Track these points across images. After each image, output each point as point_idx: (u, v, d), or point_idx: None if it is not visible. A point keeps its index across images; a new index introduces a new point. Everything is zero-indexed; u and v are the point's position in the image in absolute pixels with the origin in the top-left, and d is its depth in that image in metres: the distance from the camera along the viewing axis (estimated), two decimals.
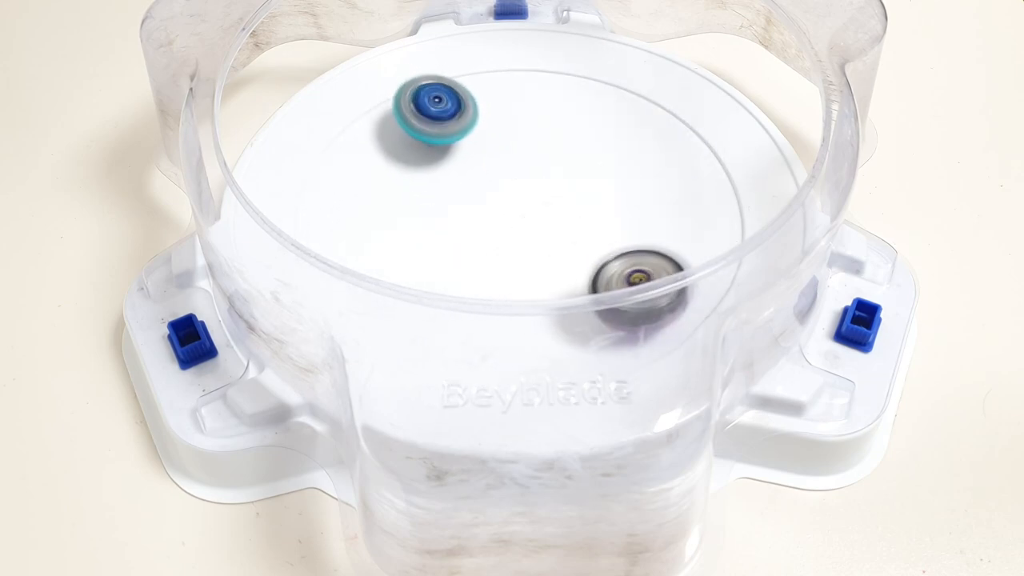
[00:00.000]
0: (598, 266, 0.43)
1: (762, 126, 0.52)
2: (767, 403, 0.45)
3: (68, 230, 0.54)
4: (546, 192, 0.50)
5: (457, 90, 0.51)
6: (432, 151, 0.52)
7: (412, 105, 0.50)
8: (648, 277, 0.42)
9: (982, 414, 0.48)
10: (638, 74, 0.55)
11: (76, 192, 0.56)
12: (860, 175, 0.46)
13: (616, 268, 0.42)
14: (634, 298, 0.39)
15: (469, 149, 0.52)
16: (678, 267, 0.42)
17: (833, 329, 0.48)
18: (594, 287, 0.42)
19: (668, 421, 0.40)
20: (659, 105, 0.54)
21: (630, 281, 0.42)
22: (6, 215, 0.55)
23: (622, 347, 0.43)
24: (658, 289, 0.40)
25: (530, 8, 0.58)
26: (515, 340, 0.43)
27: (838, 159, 0.46)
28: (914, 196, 0.56)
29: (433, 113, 0.50)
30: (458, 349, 0.42)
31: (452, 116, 0.51)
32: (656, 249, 0.43)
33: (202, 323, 0.47)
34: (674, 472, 0.40)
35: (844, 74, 0.48)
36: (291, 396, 0.45)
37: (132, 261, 0.53)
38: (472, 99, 0.52)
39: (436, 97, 0.51)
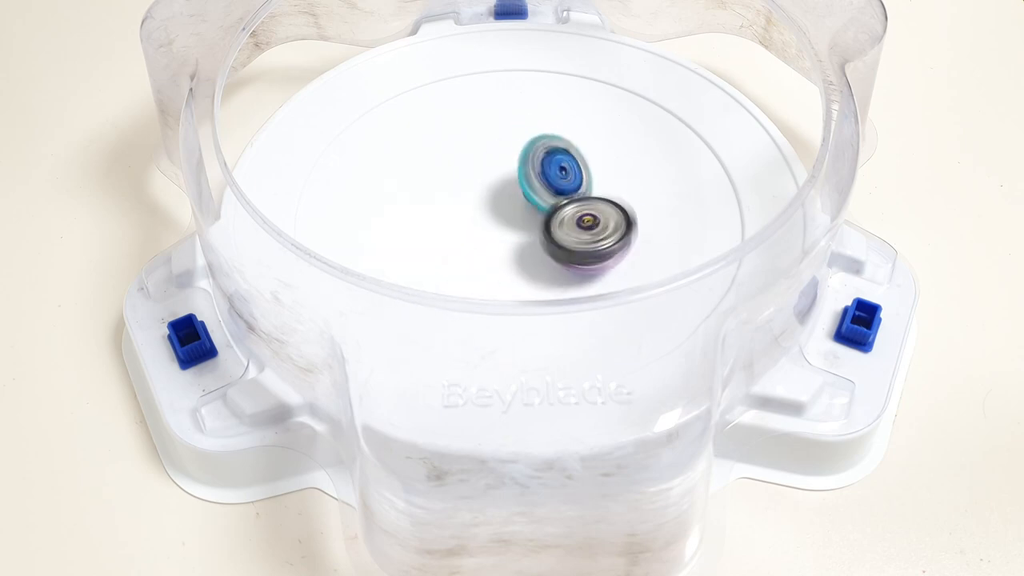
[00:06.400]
0: (551, 210, 0.47)
1: (762, 126, 0.53)
2: (767, 403, 0.45)
3: (68, 230, 0.54)
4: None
5: (576, 157, 0.50)
6: (432, 151, 0.52)
7: (541, 174, 0.49)
8: (596, 220, 0.47)
9: (982, 414, 0.48)
10: (638, 74, 0.55)
11: (76, 192, 0.56)
12: (860, 175, 0.46)
13: (569, 212, 0.47)
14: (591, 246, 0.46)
15: (469, 150, 0.52)
16: (624, 212, 0.47)
17: (833, 329, 0.48)
18: (547, 228, 0.47)
19: (668, 421, 0.40)
20: (659, 105, 0.54)
21: (580, 223, 0.47)
22: (6, 215, 0.55)
23: (621, 347, 0.43)
24: (657, 288, 0.41)
25: (530, 8, 0.58)
26: (515, 340, 0.43)
27: (838, 159, 0.46)
28: (914, 196, 0.56)
29: (561, 187, 0.49)
30: (458, 349, 0.42)
31: (575, 190, 0.49)
32: (606, 197, 0.48)
33: (202, 323, 0.47)
34: (674, 472, 0.40)
35: (844, 74, 0.48)
36: (291, 396, 0.45)
37: (132, 261, 0.53)
38: (586, 165, 0.50)
39: (562, 168, 0.49)
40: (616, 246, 0.46)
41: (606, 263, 0.47)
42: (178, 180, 0.54)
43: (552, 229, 0.47)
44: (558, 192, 0.49)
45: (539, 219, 0.48)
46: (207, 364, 0.47)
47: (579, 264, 0.47)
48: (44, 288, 0.52)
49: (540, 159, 0.49)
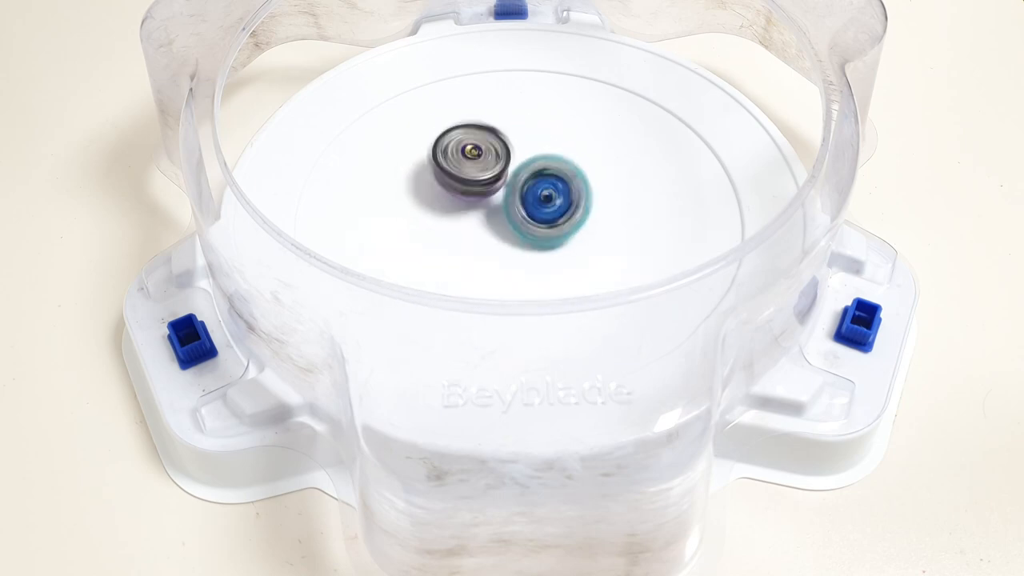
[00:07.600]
0: (438, 135, 0.50)
1: (762, 126, 0.53)
2: (767, 403, 0.45)
3: (68, 230, 0.54)
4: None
5: (567, 177, 0.48)
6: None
7: (522, 206, 0.48)
8: (479, 150, 0.49)
9: (982, 414, 0.48)
10: (638, 74, 0.55)
11: (76, 192, 0.56)
12: (860, 175, 0.46)
13: (455, 137, 0.49)
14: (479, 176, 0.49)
15: None
16: (504, 143, 0.49)
17: (833, 329, 0.48)
18: (434, 152, 0.49)
19: (668, 421, 0.40)
20: (659, 105, 0.54)
21: (464, 152, 0.49)
22: (6, 215, 0.55)
23: (621, 347, 0.43)
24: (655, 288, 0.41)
25: (530, 8, 0.58)
26: (515, 340, 0.43)
27: (838, 159, 0.46)
28: (914, 196, 0.56)
29: (544, 215, 0.48)
30: (458, 349, 0.42)
31: (563, 214, 0.48)
32: (490, 126, 0.50)
33: (202, 323, 0.47)
34: (674, 472, 0.40)
35: (844, 74, 0.48)
36: (291, 396, 0.45)
37: (132, 261, 0.53)
38: (584, 182, 0.48)
39: (547, 195, 0.48)
40: (497, 175, 0.49)
41: (486, 196, 0.49)
42: (178, 180, 0.54)
43: (437, 155, 0.49)
44: (542, 221, 0.48)
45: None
46: (207, 364, 0.47)
47: (464, 194, 0.49)
48: (44, 288, 0.52)
49: (524, 186, 0.48)
